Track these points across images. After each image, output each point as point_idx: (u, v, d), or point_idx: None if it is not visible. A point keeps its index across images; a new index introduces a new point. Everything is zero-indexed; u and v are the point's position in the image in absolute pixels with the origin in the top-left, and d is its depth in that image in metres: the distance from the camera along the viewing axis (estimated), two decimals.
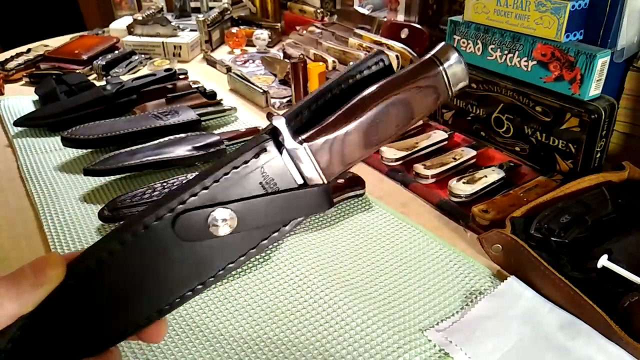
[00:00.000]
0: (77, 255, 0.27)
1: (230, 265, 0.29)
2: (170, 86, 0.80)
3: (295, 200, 0.30)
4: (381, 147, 0.31)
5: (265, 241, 0.29)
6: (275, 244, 0.31)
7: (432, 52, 0.33)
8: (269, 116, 0.31)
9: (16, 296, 0.24)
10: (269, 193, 0.29)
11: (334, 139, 0.30)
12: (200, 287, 0.28)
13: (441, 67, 0.32)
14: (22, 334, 0.25)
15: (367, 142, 0.31)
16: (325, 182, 0.30)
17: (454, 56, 0.32)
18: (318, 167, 0.30)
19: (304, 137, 0.29)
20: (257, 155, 0.29)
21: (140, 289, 0.27)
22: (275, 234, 0.29)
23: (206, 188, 0.27)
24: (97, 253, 0.27)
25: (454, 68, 0.32)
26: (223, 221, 0.28)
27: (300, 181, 0.29)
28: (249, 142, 0.30)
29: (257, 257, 0.48)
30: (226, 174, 0.28)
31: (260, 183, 0.29)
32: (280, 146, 0.29)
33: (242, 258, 0.29)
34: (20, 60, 0.98)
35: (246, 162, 0.28)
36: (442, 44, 0.33)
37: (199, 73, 0.97)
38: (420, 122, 0.70)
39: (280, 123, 0.28)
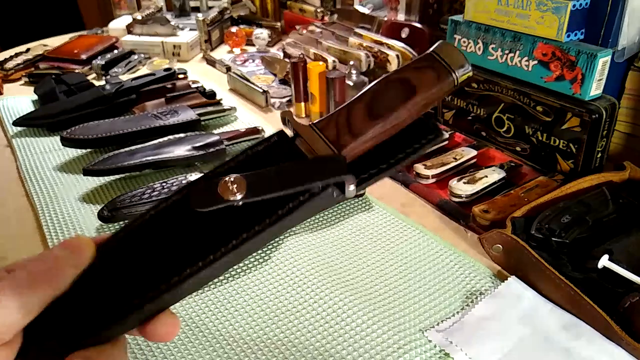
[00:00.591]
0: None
1: (245, 235, 0.28)
2: (169, 86, 0.80)
3: (305, 167, 0.31)
4: (394, 120, 0.32)
5: (283, 210, 0.29)
6: (301, 216, 0.30)
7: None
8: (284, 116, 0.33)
9: (55, 278, 0.25)
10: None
11: (338, 114, 0.32)
12: (212, 258, 0.27)
13: (433, 52, 0.34)
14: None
15: (372, 113, 0.32)
16: (335, 151, 0.31)
17: (447, 44, 0.34)
18: (327, 140, 0.31)
19: (315, 122, 0.32)
20: (270, 139, 0.31)
21: (153, 260, 0.27)
22: (294, 203, 0.29)
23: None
24: (120, 231, 0.28)
25: (448, 51, 0.34)
26: (232, 184, 0.28)
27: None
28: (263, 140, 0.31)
29: (258, 255, 0.48)
30: (247, 150, 0.31)
31: (274, 162, 0.30)
32: (296, 135, 0.32)
33: (257, 227, 0.28)
34: (20, 60, 0.98)
35: (260, 144, 0.31)
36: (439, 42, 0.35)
37: (199, 73, 0.96)
38: None
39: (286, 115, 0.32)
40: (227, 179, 0.28)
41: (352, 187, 0.31)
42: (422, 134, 0.34)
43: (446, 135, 0.35)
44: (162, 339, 0.27)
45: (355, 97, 0.33)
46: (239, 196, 0.28)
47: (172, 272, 0.27)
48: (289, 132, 0.33)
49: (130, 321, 0.26)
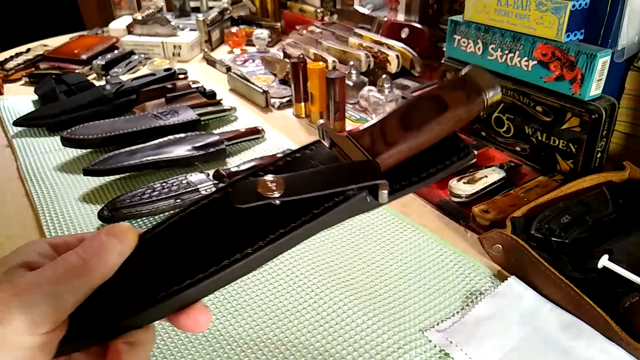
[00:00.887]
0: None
1: (281, 230, 0.29)
2: (169, 86, 0.80)
3: (341, 170, 0.33)
4: (426, 133, 0.34)
5: (319, 210, 0.30)
6: (335, 218, 0.32)
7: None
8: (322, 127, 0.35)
9: (103, 265, 0.26)
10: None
11: (373, 126, 0.34)
12: (250, 251, 0.29)
13: (466, 74, 0.36)
14: None
15: (405, 125, 0.34)
16: (369, 157, 0.33)
17: (479, 67, 0.36)
18: (361, 147, 0.33)
19: (349, 132, 0.34)
20: (307, 147, 0.34)
21: (192, 252, 0.29)
22: (329, 204, 0.31)
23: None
24: (161, 222, 0.30)
25: (480, 74, 0.36)
26: (272, 183, 0.30)
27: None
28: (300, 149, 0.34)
29: None
30: (286, 156, 0.33)
31: (311, 166, 0.33)
32: (332, 144, 0.34)
33: (293, 224, 0.30)
34: (20, 60, 0.98)
35: (297, 151, 0.34)
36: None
37: (199, 73, 0.97)
38: None
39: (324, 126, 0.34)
40: (266, 178, 0.30)
41: (385, 193, 0.33)
42: (452, 152, 0.36)
43: (475, 153, 0.36)
44: (192, 329, 0.28)
45: (390, 111, 0.35)
46: (276, 194, 0.30)
47: (210, 262, 0.28)
48: (326, 143, 0.35)
49: (169, 307, 0.27)
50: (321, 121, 0.34)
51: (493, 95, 0.35)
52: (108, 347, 0.26)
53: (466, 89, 0.35)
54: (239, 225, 0.30)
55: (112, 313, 0.27)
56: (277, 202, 0.30)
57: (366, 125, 0.35)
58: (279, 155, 0.34)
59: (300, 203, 0.31)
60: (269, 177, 0.31)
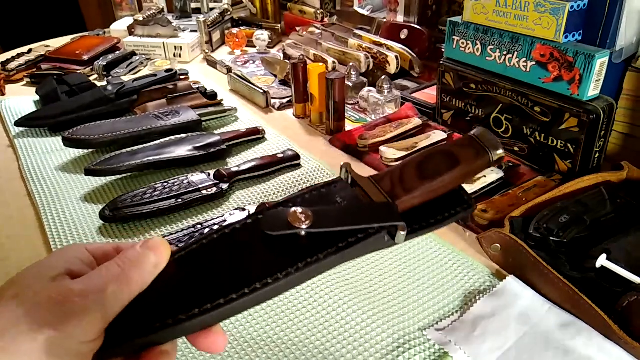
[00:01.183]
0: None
1: (309, 260, 0.32)
2: (171, 86, 0.80)
3: (365, 209, 0.36)
4: (439, 184, 0.39)
5: (343, 244, 0.33)
6: (355, 253, 0.35)
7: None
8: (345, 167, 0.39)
9: (140, 277, 0.28)
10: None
11: (393, 172, 0.38)
12: (281, 276, 0.31)
13: (474, 135, 0.41)
14: None
15: (422, 175, 0.38)
16: (390, 200, 0.36)
17: (486, 130, 0.41)
18: (382, 190, 0.37)
19: (371, 175, 0.38)
20: (331, 184, 0.37)
21: (226, 272, 0.31)
22: (352, 239, 0.34)
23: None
24: (193, 242, 0.31)
25: (486, 135, 0.41)
26: (301, 214, 0.32)
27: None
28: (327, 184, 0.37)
29: None
30: (312, 190, 0.36)
31: (335, 203, 0.36)
32: (353, 184, 0.37)
33: (320, 255, 0.32)
34: (22, 60, 0.98)
35: (323, 187, 0.37)
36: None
37: (200, 73, 0.97)
38: (420, 122, 0.71)
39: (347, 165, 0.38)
40: (296, 209, 0.33)
41: (403, 234, 0.36)
42: (457, 203, 0.41)
43: (476, 206, 0.44)
44: (209, 349, 0.29)
45: (407, 160, 0.40)
46: (304, 226, 0.32)
47: (240, 285, 0.30)
48: (345, 179, 0.38)
49: (196, 325, 0.29)
50: (345, 162, 0.39)
51: (498, 154, 0.40)
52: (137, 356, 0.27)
53: (475, 147, 0.40)
54: (267, 251, 0.32)
55: (138, 329, 0.28)
56: (303, 233, 0.32)
57: (386, 170, 0.39)
58: (305, 189, 0.38)
59: (325, 236, 0.33)
60: (299, 209, 0.33)
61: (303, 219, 0.33)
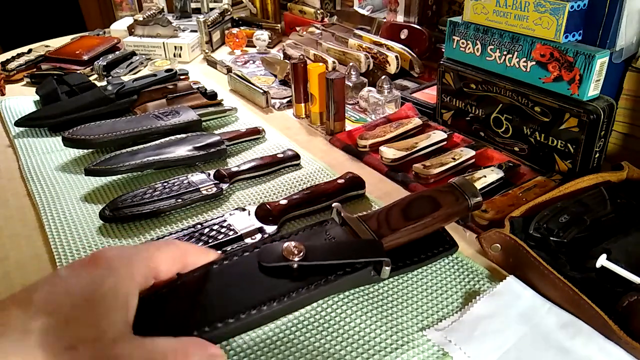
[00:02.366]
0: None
1: (302, 290, 0.36)
2: (171, 86, 0.80)
3: (351, 245, 0.40)
4: (421, 225, 0.43)
5: (332, 276, 0.37)
6: (343, 286, 0.40)
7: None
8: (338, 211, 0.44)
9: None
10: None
11: (379, 213, 0.43)
12: (274, 303, 0.34)
13: (454, 183, 0.45)
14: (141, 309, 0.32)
15: (406, 216, 0.42)
16: (376, 238, 0.40)
17: (465, 179, 0.46)
18: (369, 229, 0.41)
19: (359, 215, 0.43)
20: (323, 223, 0.42)
21: (226, 298, 0.34)
22: (340, 272, 0.38)
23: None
24: (200, 269, 0.35)
25: (466, 184, 0.45)
26: (295, 248, 0.37)
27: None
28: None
29: None
30: (306, 228, 0.41)
31: (326, 239, 0.40)
32: (343, 223, 0.42)
33: (307, 288, 0.36)
34: (22, 60, 0.98)
35: (315, 225, 0.42)
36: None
37: (200, 73, 0.97)
38: (420, 122, 0.71)
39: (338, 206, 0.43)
40: (291, 243, 0.37)
41: (387, 269, 0.40)
42: (440, 244, 0.46)
43: (458, 247, 0.48)
44: None
45: (393, 203, 0.44)
46: (297, 258, 0.36)
47: (240, 309, 0.33)
48: (337, 219, 0.42)
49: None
50: (336, 204, 0.44)
51: (475, 201, 0.44)
52: None
53: (455, 194, 0.44)
54: (264, 278, 0.36)
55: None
56: (295, 265, 0.36)
57: (374, 211, 0.43)
58: (299, 228, 0.42)
59: (315, 268, 0.37)
60: (292, 242, 0.37)
61: (296, 252, 0.36)
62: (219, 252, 0.38)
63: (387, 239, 0.41)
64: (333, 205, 0.43)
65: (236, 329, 0.33)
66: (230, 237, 0.48)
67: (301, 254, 0.36)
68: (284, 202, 0.53)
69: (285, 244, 0.37)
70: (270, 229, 0.50)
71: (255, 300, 0.34)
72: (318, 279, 0.36)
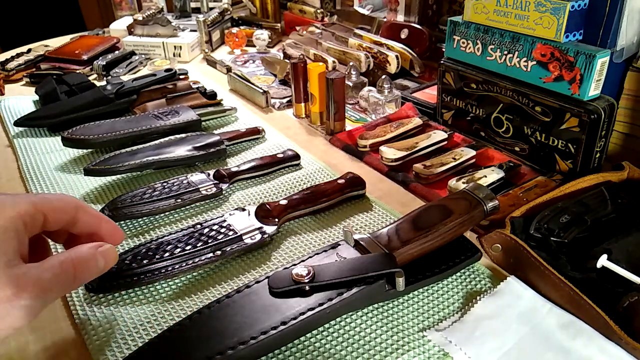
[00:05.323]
0: None
1: (310, 311, 0.36)
2: (170, 86, 0.80)
3: (361, 260, 0.40)
4: (434, 234, 0.42)
5: (343, 293, 0.38)
6: (357, 303, 0.40)
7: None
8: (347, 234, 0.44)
9: (88, 277, 0.33)
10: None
11: (390, 228, 0.43)
12: (282, 326, 0.35)
13: (467, 189, 0.45)
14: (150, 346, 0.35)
15: (416, 226, 0.42)
16: (386, 251, 0.40)
17: (479, 184, 0.46)
18: (379, 244, 0.41)
19: (370, 233, 0.43)
20: (335, 246, 0.42)
21: (236, 324, 0.36)
22: (350, 290, 0.38)
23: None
24: (210, 303, 0.38)
25: (480, 189, 0.45)
26: (303, 270, 0.38)
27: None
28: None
29: (258, 254, 0.48)
30: (316, 253, 0.42)
31: (336, 260, 0.41)
32: (356, 244, 0.42)
33: (319, 307, 0.37)
34: (21, 60, 0.98)
35: (326, 250, 0.42)
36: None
37: (199, 73, 0.97)
38: (420, 122, 0.71)
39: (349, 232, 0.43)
40: (300, 267, 0.38)
41: (401, 281, 0.40)
42: (462, 252, 0.45)
43: (482, 253, 0.46)
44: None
45: (403, 216, 0.44)
46: (307, 280, 0.37)
47: (255, 333, 0.35)
48: (349, 242, 0.43)
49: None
50: (346, 226, 0.47)
51: (492, 205, 0.44)
52: None
53: (468, 200, 0.44)
54: (275, 303, 0.37)
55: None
56: (307, 287, 0.37)
57: (384, 227, 0.43)
58: (309, 254, 0.42)
59: (325, 288, 0.38)
60: (301, 265, 0.38)
61: (304, 274, 0.37)
62: (118, 226, 0.38)
63: (400, 251, 0.40)
64: (344, 228, 0.44)
65: (251, 353, 0.34)
66: (230, 237, 0.48)
67: (310, 274, 0.37)
68: (284, 202, 0.52)
69: (294, 270, 0.38)
70: (270, 229, 0.50)
71: (268, 324, 0.35)
72: (330, 296, 0.37)
